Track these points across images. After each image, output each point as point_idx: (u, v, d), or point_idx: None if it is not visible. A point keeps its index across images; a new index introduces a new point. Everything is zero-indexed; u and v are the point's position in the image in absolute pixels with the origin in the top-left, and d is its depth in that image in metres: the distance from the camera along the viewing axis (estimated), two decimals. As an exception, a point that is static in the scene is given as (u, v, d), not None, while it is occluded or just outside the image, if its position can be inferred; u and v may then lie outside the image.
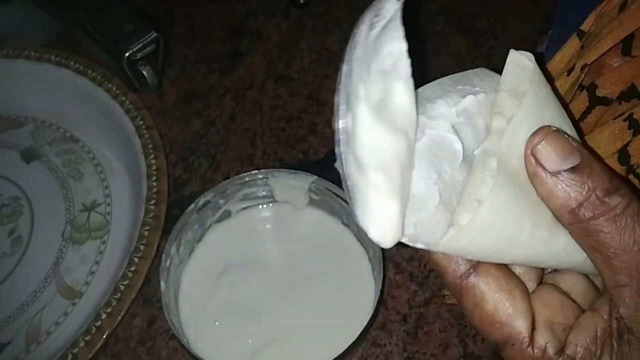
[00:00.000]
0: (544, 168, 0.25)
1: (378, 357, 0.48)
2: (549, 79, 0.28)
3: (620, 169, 0.35)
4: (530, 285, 0.30)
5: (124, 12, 0.56)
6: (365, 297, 0.46)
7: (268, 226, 0.51)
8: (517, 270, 0.30)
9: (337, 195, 0.48)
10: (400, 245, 0.26)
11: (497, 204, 0.25)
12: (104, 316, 0.45)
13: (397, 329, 0.49)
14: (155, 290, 0.50)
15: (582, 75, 0.38)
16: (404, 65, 0.24)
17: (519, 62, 0.27)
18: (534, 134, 0.25)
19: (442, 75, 0.30)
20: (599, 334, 0.27)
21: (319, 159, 0.57)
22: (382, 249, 0.45)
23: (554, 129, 0.25)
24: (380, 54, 0.25)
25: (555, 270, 0.31)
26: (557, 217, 0.26)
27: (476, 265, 0.27)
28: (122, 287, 0.46)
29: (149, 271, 0.48)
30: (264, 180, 0.49)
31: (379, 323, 0.49)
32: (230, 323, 0.46)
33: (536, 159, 0.25)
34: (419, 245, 0.26)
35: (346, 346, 0.41)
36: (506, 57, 0.29)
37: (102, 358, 0.47)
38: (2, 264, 0.51)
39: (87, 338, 0.45)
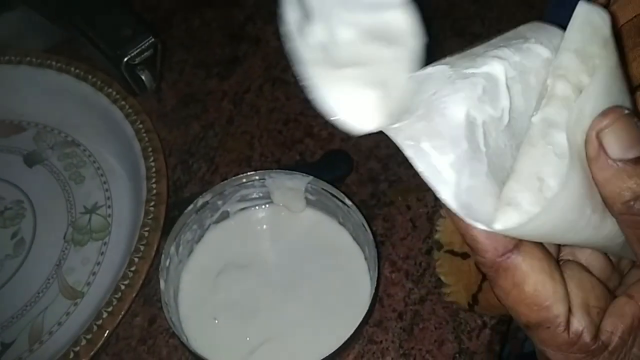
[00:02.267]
0: (606, 153, 0.23)
1: (375, 353, 0.48)
2: (618, 38, 0.25)
3: None
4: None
5: (123, 17, 0.57)
6: (361, 295, 0.47)
7: (265, 227, 0.52)
8: None
9: (333, 196, 0.49)
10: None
11: (570, 191, 0.23)
12: (105, 315, 0.46)
13: (393, 326, 0.49)
14: (156, 290, 0.51)
15: None
16: None
17: (589, 18, 0.24)
18: (604, 114, 0.23)
19: None
20: (635, 323, 0.26)
21: (315, 161, 0.58)
22: (377, 248, 0.46)
23: (626, 112, 0.24)
24: None
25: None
26: (608, 205, 0.25)
27: (518, 244, 0.26)
28: (123, 287, 0.47)
29: (149, 271, 0.49)
30: (261, 181, 0.50)
31: (375, 320, 0.50)
32: (229, 321, 0.47)
33: (600, 143, 0.23)
34: (478, 225, 0.24)
35: (342, 342, 0.42)
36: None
37: (103, 357, 0.48)
38: (6, 266, 0.52)
39: (89, 336, 0.45)
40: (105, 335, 0.46)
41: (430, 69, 0.25)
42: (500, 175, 0.25)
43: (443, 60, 0.26)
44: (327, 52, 0.23)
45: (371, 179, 0.57)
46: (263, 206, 0.52)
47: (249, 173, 0.50)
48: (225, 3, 0.70)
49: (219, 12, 0.69)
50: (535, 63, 0.25)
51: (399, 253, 0.53)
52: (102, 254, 0.53)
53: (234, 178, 0.50)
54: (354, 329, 0.43)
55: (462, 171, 0.24)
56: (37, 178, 0.57)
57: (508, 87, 0.25)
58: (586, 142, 0.24)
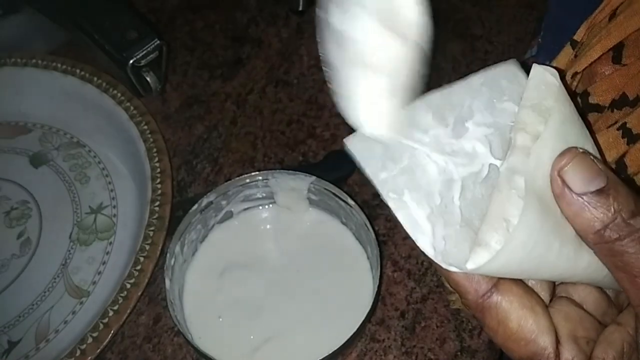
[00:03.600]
0: (570, 189, 0.25)
1: (377, 351, 0.49)
2: (570, 94, 0.28)
3: None
4: (544, 296, 0.30)
5: (128, 20, 0.57)
6: (363, 293, 0.47)
7: (269, 226, 0.53)
8: (530, 282, 0.30)
9: (336, 196, 0.49)
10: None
11: (529, 226, 0.25)
12: (110, 313, 0.47)
13: (395, 325, 0.50)
14: (160, 289, 0.51)
15: (575, 83, 0.40)
16: None
17: (543, 77, 0.27)
18: (562, 155, 0.26)
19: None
20: (625, 349, 0.27)
21: (318, 161, 0.58)
22: (380, 248, 0.47)
23: (581, 150, 0.26)
24: None
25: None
26: (582, 237, 0.26)
27: (497, 284, 0.27)
28: (128, 286, 0.48)
29: (154, 270, 0.50)
30: (265, 181, 0.51)
31: (378, 319, 0.50)
32: (233, 320, 0.48)
33: (563, 181, 0.25)
34: (452, 269, 0.26)
35: (344, 341, 0.43)
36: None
37: (109, 355, 0.49)
38: (12, 265, 0.53)
39: (95, 335, 0.46)
40: (111, 333, 0.46)
41: (416, 110, 0.29)
42: (477, 222, 0.27)
43: (426, 106, 0.29)
44: (344, 43, 0.26)
45: (373, 179, 0.57)
46: (266, 206, 0.53)
47: (252, 173, 0.50)
48: (228, 5, 0.71)
49: (221, 15, 0.70)
50: (509, 119, 0.28)
51: (401, 252, 0.53)
52: (107, 253, 0.53)
53: (237, 178, 0.50)
54: (357, 327, 0.43)
55: (436, 223, 0.27)
56: (43, 179, 0.58)
57: (489, 143, 0.28)
58: (551, 181, 0.26)
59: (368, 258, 0.49)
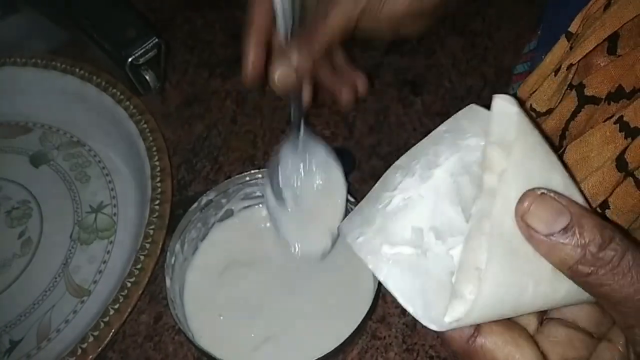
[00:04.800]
0: (537, 232, 0.25)
1: (378, 349, 0.49)
2: (530, 115, 0.28)
3: (617, 175, 0.35)
4: (532, 321, 0.30)
5: (127, 18, 0.57)
6: (364, 291, 0.47)
7: (269, 224, 0.52)
8: None
9: (336, 193, 0.49)
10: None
11: (497, 274, 0.25)
12: (111, 312, 0.47)
13: (396, 322, 0.50)
14: (161, 287, 0.51)
15: (570, 75, 0.39)
16: None
17: (503, 109, 0.27)
18: (522, 199, 0.26)
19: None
20: None
21: (318, 159, 0.58)
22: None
23: (540, 192, 0.26)
24: None
25: None
26: (560, 270, 0.26)
27: (478, 327, 0.28)
28: (129, 284, 0.48)
29: (155, 269, 0.50)
30: (265, 179, 0.51)
31: (379, 316, 0.50)
32: (233, 318, 0.48)
33: (527, 224, 0.26)
34: (432, 327, 0.26)
35: (345, 338, 0.43)
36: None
37: (110, 354, 0.49)
38: (13, 265, 0.53)
39: (96, 333, 0.46)
40: (112, 332, 0.47)
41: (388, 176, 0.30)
42: (454, 270, 0.27)
43: (394, 168, 0.30)
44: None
45: (373, 176, 0.57)
46: (266, 204, 0.53)
47: (252, 171, 0.50)
48: (227, 3, 0.70)
49: (221, 13, 0.70)
50: (474, 155, 0.28)
51: (402, 249, 0.53)
52: (108, 252, 0.53)
53: (237, 176, 0.50)
54: (357, 324, 0.43)
55: (416, 275, 0.27)
56: (44, 178, 0.58)
57: (456, 183, 0.28)
58: (518, 226, 0.26)
59: (368, 255, 0.49)
